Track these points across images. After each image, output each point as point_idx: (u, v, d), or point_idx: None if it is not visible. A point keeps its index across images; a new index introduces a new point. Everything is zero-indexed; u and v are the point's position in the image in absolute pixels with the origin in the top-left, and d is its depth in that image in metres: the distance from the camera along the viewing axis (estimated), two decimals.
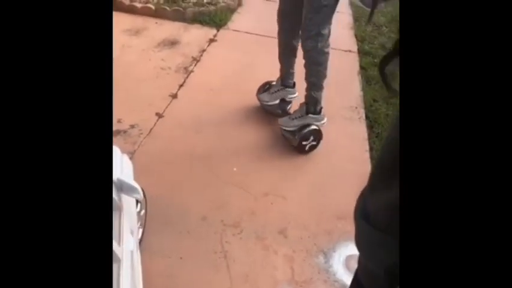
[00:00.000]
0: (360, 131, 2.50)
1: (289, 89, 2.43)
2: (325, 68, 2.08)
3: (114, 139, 2.11)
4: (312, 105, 2.20)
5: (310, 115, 2.21)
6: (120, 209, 1.30)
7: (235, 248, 1.71)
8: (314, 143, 2.24)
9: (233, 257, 1.67)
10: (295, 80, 2.42)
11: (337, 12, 2.02)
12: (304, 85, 2.18)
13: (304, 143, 2.22)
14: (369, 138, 2.43)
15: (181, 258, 1.65)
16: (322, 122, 2.26)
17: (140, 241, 1.61)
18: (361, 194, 0.65)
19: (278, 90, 2.43)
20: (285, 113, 2.43)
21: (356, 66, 3.21)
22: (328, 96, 2.28)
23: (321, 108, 2.24)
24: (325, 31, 1.97)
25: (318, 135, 2.24)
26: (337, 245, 1.79)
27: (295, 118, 2.24)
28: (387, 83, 0.56)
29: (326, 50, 2.03)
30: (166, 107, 2.48)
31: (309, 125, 2.20)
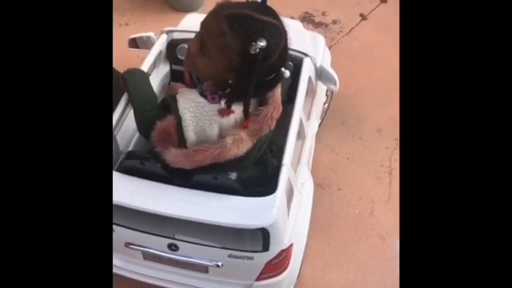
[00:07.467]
0: None
1: None
2: None
3: (316, 30, 2.15)
4: None
5: None
6: (313, 94, 1.39)
7: None
8: None
9: (398, 176, 1.66)
10: None
11: None
12: None
13: None
14: None
15: (348, 158, 1.72)
16: None
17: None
18: None
19: None
20: None
21: None
22: None
23: None
24: None
25: None
26: None
27: None
28: None
29: None
30: (373, 10, 2.35)
31: None
